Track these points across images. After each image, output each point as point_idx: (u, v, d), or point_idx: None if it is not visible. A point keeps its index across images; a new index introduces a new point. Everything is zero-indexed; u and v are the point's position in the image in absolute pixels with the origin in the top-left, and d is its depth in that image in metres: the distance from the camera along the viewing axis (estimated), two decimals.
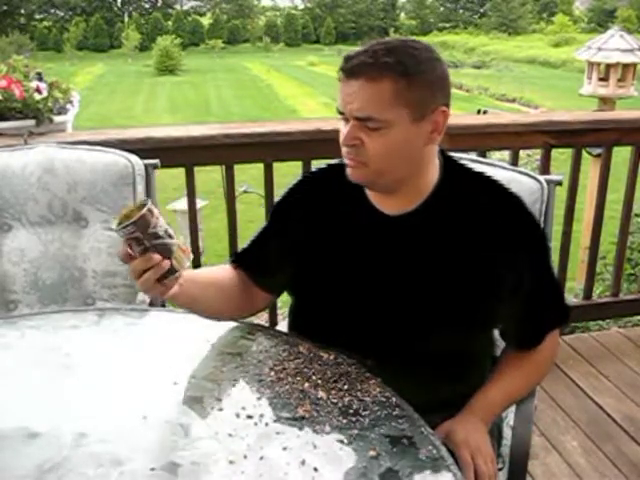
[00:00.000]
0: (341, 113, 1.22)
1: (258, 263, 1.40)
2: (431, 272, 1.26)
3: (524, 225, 1.29)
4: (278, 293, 1.47)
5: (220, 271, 1.40)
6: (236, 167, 2.47)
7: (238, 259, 1.42)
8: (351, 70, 1.17)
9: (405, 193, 1.26)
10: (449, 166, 1.30)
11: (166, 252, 1.08)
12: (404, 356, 1.26)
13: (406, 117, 1.18)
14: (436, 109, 1.20)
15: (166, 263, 1.08)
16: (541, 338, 1.35)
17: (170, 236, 1.09)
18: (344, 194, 1.32)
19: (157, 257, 1.08)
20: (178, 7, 53.36)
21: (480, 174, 1.34)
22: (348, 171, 1.25)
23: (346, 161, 1.24)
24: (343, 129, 1.22)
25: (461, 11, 56.20)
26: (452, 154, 1.35)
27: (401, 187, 1.26)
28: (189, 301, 1.26)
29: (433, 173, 1.28)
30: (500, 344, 1.42)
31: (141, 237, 1.05)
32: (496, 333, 1.42)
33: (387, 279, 1.27)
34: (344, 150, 1.23)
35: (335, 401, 1.10)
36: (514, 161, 2.63)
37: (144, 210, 1.05)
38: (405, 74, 1.16)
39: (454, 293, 1.24)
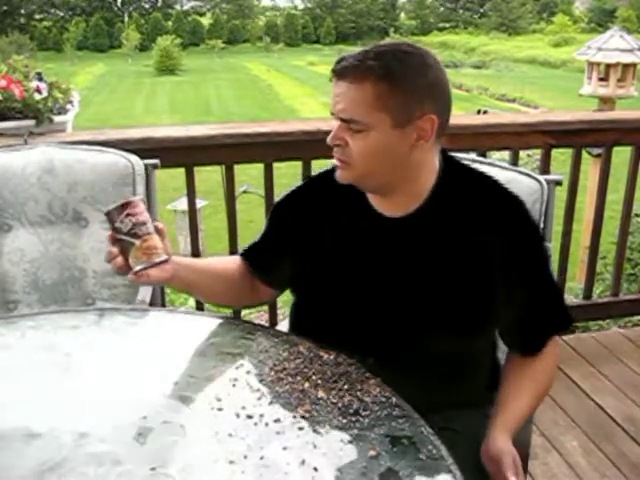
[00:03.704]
0: (332, 114, 1.24)
1: (260, 258, 1.43)
2: (430, 272, 1.26)
3: (522, 227, 1.29)
4: (281, 288, 1.49)
5: (229, 261, 1.46)
6: (236, 167, 2.47)
7: (244, 252, 1.46)
8: (339, 72, 1.20)
9: (402, 196, 1.27)
10: (449, 167, 1.30)
11: (125, 248, 1.21)
12: (405, 355, 1.26)
13: (387, 122, 1.18)
14: (422, 116, 1.18)
15: (119, 259, 1.21)
16: (542, 342, 1.33)
17: (133, 235, 1.20)
18: (345, 196, 1.32)
19: (114, 251, 1.20)
20: (178, 7, 53.41)
21: (481, 174, 1.33)
22: (337, 172, 1.28)
23: (335, 162, 1.27)
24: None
25: (461, 11, 56.26)
26: (454, 154, 1.35)
27: (394, 190, 1.26)
28: (184, 286, 1.35)
29: (430, 176, 1.27)
30: (501, 344, 1.42)
31: (110, 228, 1.21)
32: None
33: (387, 280, 1.28)
34: (333, 150, 1.26)
35: (335, 401, 1.10)
36: (514, 161, 2.63)
37: (112, 207, 1.21)
38: (387, 78, 1.16)
39: (453, 293, 1.24)
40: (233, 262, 1.44)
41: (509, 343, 1.38)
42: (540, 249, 1.32)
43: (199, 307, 2.62)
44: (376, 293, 1.28)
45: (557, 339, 1.37)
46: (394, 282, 1.27)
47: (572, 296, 3.39)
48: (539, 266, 1.31)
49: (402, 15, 55.72)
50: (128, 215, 1.19)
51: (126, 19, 48.27)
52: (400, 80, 1.16)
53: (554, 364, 1.38)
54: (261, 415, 1.07)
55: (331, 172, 1.38)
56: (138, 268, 1.21)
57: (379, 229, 1.29)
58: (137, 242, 1.20)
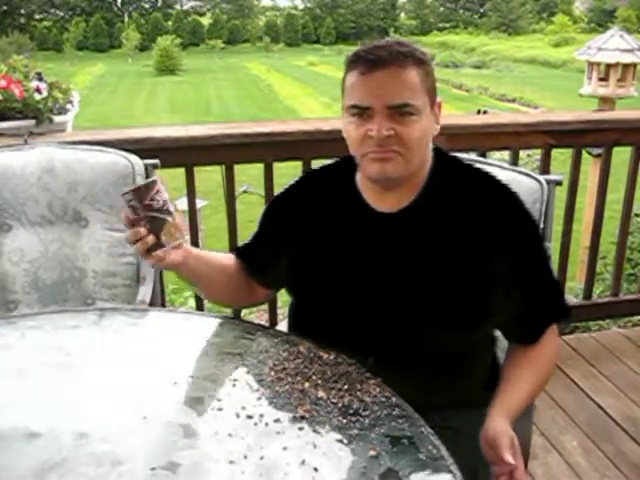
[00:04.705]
0: (361, 109, 1.20)
1: (254, 259, 1.43)
2: (426, 267, 1.26)
3: (515, 216, 1.29)
4: (276, 288, 1.50)
5: (227, 258, 1.45)
6: (236, 167, 2.47)
7: (238, 252, 1.45)
8: (377, 61, 1.19)
9: (403, 189, 1.27)
10: (439, 160, 1.31)
11: (156, 225, 1.19)
12: (404, 354, 1.26)
13: (428, 104, 1.23)
14: (436, 100, 1.26)
15: (150, 238, 1.18)
16: (540, 332, 1.33)
17: (166, 212, 1.19)
18: (339, 192, 1.32)
19: (142, 231, 1.18)
20: (178, 7, 53.45)
21: (469, 166, 1.35)
22: (380, 168, 1.21)
23: (375, 157, 1.21)
24: (361, 126, 1.20)
25: (461, 11, 56.31)
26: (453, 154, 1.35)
27: (404, 182, 1.26)
28: (192, 275, 1.32)
29: (427, 168, 1.29)
30: (500, 343, 1.42)
31: (137, 206, 1.18)
32: (497, 332, 1.41)
33: (383, 277, 1.28)
34: (374, 146, 1.20)
35: (335, 401, 1.10)
36: (514, 161, 2.63)
37: (144, 183, 1.19)
38: (422, 63, 1.22)
39: (450, 286, 1.24)
40: (230, 259, 1.44)
41: (508, 335, 1.37)
42: (534, 239, 1.32)
43: (199, 307, 2.62)
44: (374, 290, 1.28)
45: (555, 328, 1.35)
46: (391, 279, 1.27)
47: (572, 296, 3.39)
48: (534, 255, 1.31)
49: (402, 15, 55.77)
50: (158, 192, 1.18)
51: (126, 19, 48.29)
52: (428, 65, 1.24)
53: (553, 353, 1.37)
54: (261, 415, 1.07)
55: (324, 169, 1.38)
56: (173, 244, 1.20)
57: (374, 226, 1.29)
58: (170, 218, 1.19)
